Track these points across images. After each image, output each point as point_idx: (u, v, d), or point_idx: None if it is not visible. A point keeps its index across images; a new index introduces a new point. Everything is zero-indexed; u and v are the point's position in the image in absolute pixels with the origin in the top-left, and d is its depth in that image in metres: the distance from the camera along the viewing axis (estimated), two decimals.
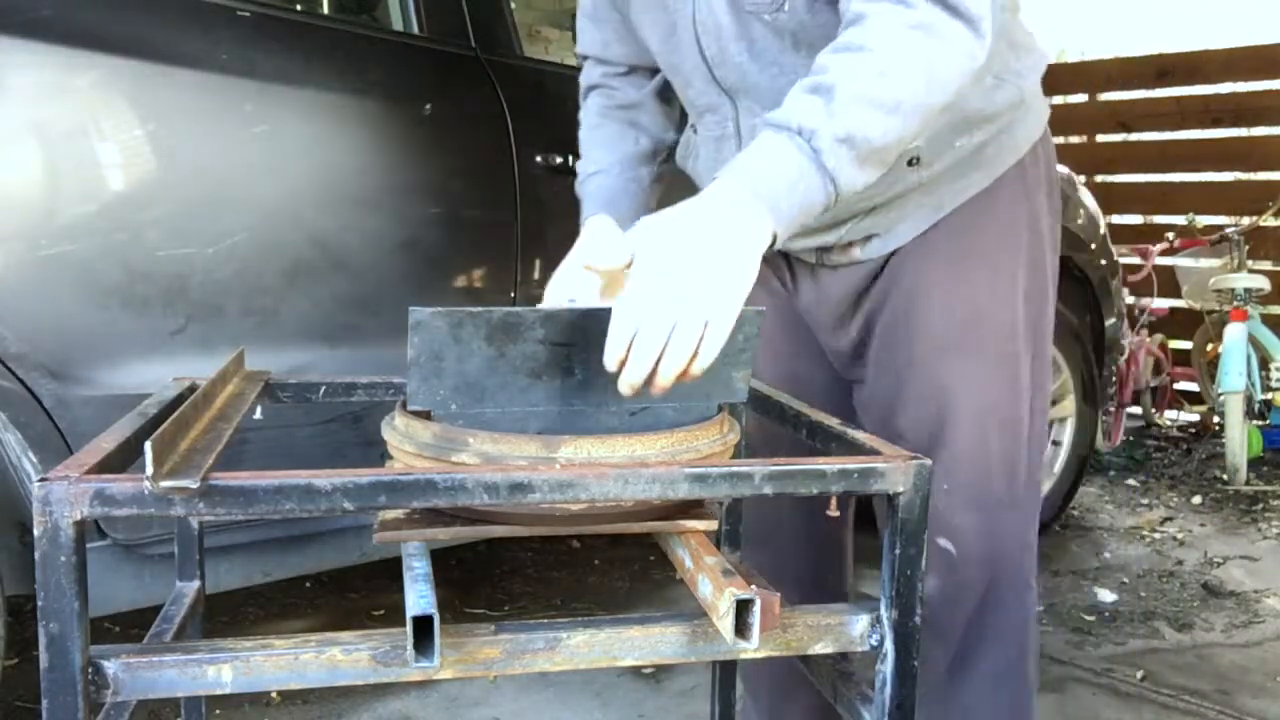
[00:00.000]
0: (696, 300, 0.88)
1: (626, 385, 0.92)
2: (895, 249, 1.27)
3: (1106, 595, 2.81)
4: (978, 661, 1.31)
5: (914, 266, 1.26)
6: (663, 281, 0.88)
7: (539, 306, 0.98)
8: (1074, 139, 5.81)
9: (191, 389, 1.19)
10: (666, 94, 1.40)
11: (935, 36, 0.98)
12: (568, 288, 1.17)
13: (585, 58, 1.43)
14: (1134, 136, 5.59)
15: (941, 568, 1.28)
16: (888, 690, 0.98)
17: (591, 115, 1.42)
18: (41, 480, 0.79)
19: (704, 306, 0.89)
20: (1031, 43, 1.28)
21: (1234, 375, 3.98)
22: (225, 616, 2.51)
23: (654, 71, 1.39)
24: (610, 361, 0.91)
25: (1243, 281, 4.23)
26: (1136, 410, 4.77)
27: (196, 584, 1.30)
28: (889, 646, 0.98)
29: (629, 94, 1.41)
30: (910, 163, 1.19)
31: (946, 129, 1.19)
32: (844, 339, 1.36)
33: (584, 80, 1.44)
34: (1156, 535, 3.39)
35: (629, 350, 0.90)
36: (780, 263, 1.39)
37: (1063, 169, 3.32)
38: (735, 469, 0.93)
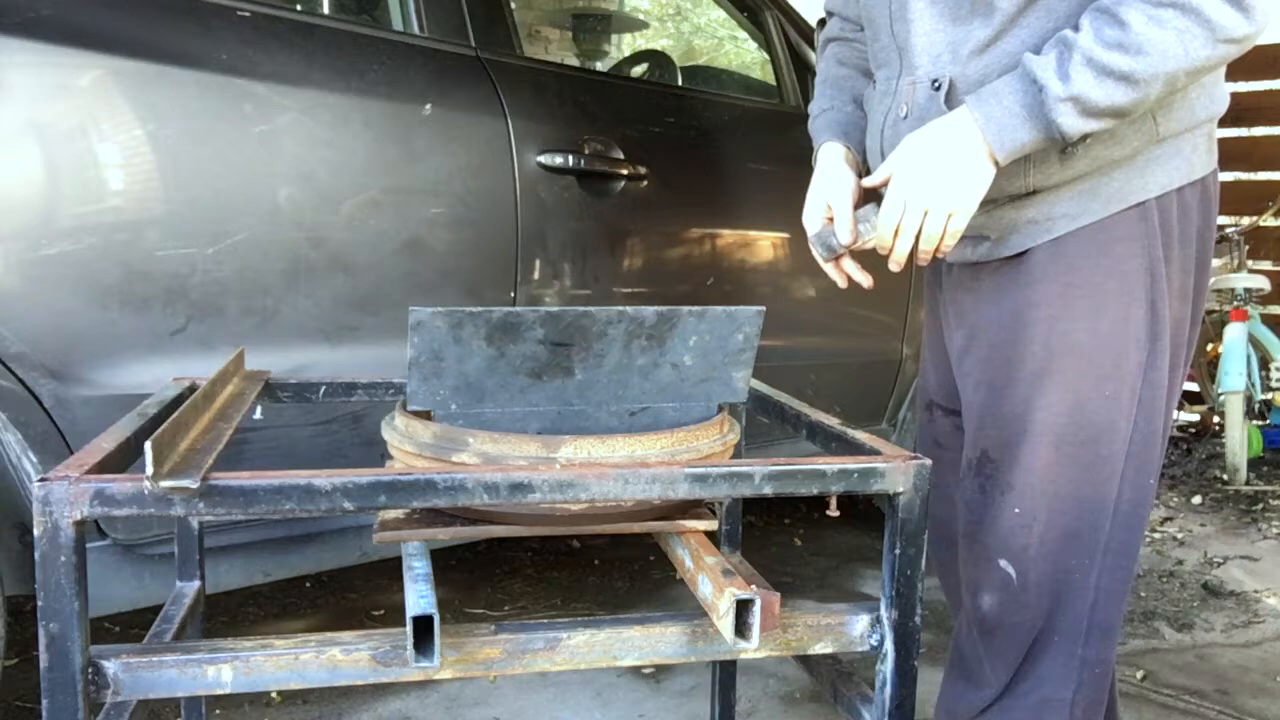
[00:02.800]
0: (941, 196, 1.15)
1: (894, 263, 1.22)
2: (1003, 258, 1.29)
3: None
4: (1025, 686, 1.29)
5: (1020, 289, 1.27)
6: (917, 183, 1.16)
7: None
8: None
9: (191, 389, 1.19)
10: None
11: (1191, 14, 1.08)
12: (821, 208, 1.33)
13: (829, 14, 1.55)
14: None
15: (999, 588, 1.27)
16: (888, 690, 0.98)
17: (828, 62, 1.52)
18: (41, 480, 0.79)
19: (947, 200, 1.15)
20: (1205, 83, 1.24)
21: (1234, 375, 3.98)
22: (225, 616, 2.51)
23: None
24: (886, 234, 1.19)
25: (1243, 281, 4.23)
26: None
27: (196, 584, 1.30)
28: (889, 646, 0.98)
29: (862, 47, 1.49)
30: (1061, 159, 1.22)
31: None
32: (954, 342, 1.38)
33: (824, 35, 1.55)
34: (1156, 535, 3.39)
35: (897, 231, 1.18)
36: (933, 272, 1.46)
37: None
38: (735, 469, 0.93)
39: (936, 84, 1.22)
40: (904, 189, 1.16)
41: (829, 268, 1.33)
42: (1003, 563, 1.26)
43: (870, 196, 1.29)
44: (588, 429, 1.04)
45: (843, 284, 1.34)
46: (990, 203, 1.24)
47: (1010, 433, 1.25)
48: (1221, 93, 1.28)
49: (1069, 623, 1.27)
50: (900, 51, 1.29)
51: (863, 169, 1.37)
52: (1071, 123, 1.10)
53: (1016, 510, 1.25)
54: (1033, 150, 1.15)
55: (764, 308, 1.08)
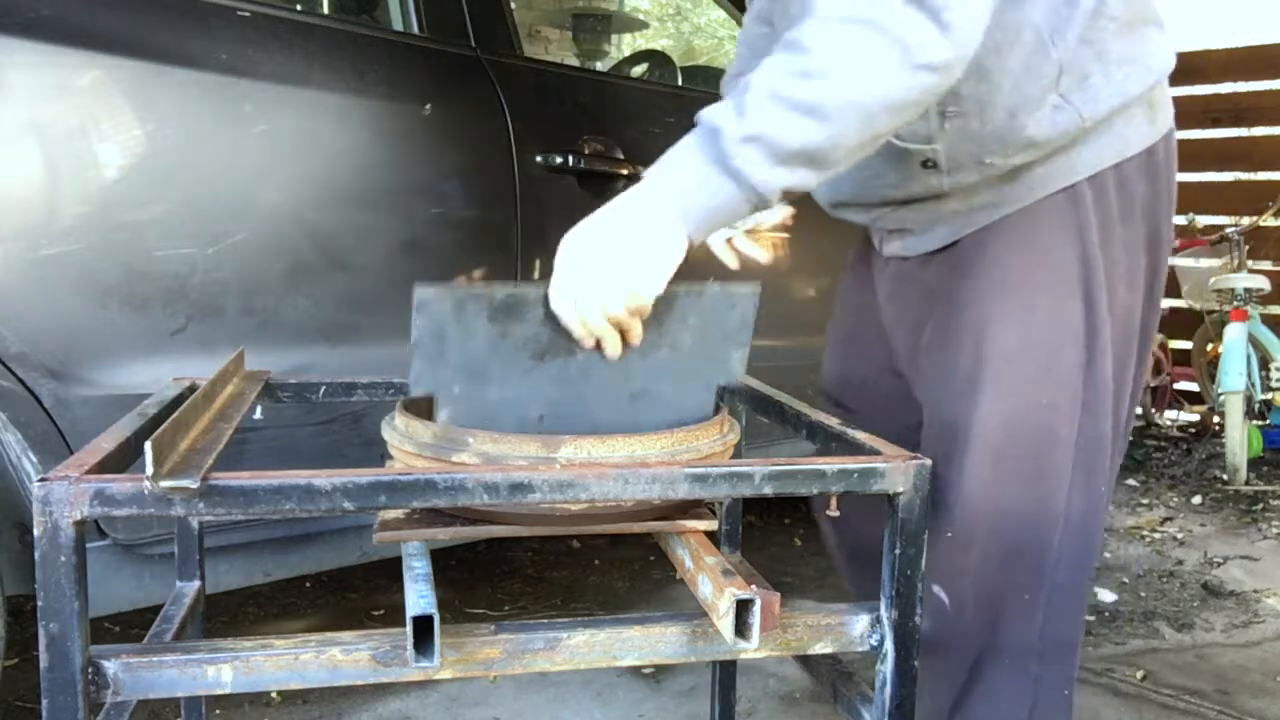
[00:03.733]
0: (614, 283, 0.97)
1: (612, 353, 1.02)
2: (932, 252, 1.22)
3: (1106, 595, 2.81)
4: (978, 710, 1.22)
5: (950, 287, 1.20)
6: (583, 279, 0.98)
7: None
8: None
9: (191, 389, 1.19)
10: None
11: (876, 30, 0.93)
12: None
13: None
14: None
15: (931, 612, 1.19)
16: (888, 690, 0.98)
17: (748, 20, 1.43)
18: (41, 480, 0.79)
19: (623, 284, 0.97)
20: (1136, 53, 1.14)
21: (1234, 375, 3.98)
22: (225, 616, 2.51)
23: None
24: (586, 343, 1.02)
25: (1243, 281, 4.23)
26: (1137, 410, 4.78)
27: (196, 584, 1.30)
28: (889, 646, 0.98)
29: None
30: (924, 164, 1.15)
31: (972, 141, 1.12)
32: (898, 337, 1.32)
33: (752, 10, 1.43)
34: (1156, 535, 3.39)
35: (586, 333, 1.00)
36: (864, 262, 1.38)
37: None
38: (735, 469, 0.93)
39: None
40: (561, 289, 0.98)
41: (719, 247, 1.28)
42: (935, 588, 1.18)
43: None
44: (588, 414, 1.04)
45: (735, 265, 1.28)
46: (908, 199, 1.18)
47: (946, 447, 1.16)
48: (1160, 57, 1.16)
49: (1017, 641, 1.18)
50: None
51: None
52: (759, 170, 0.94)
53: (949, 534, 1.17)
54: (729, 219, 0.99)
55: (759, 284, 1.06)
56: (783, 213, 1.27)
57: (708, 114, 0.97)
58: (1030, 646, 1.19)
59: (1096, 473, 1.18)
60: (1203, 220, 4.60)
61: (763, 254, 1.29)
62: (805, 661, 1.15)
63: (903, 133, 1.12)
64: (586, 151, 2.13)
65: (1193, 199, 5.07)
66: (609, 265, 0.96)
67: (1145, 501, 3.80)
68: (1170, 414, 4.99)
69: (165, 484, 0.78)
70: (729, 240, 1.29)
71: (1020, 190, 1.15)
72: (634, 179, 1.97)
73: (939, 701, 1.22)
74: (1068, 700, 1.23)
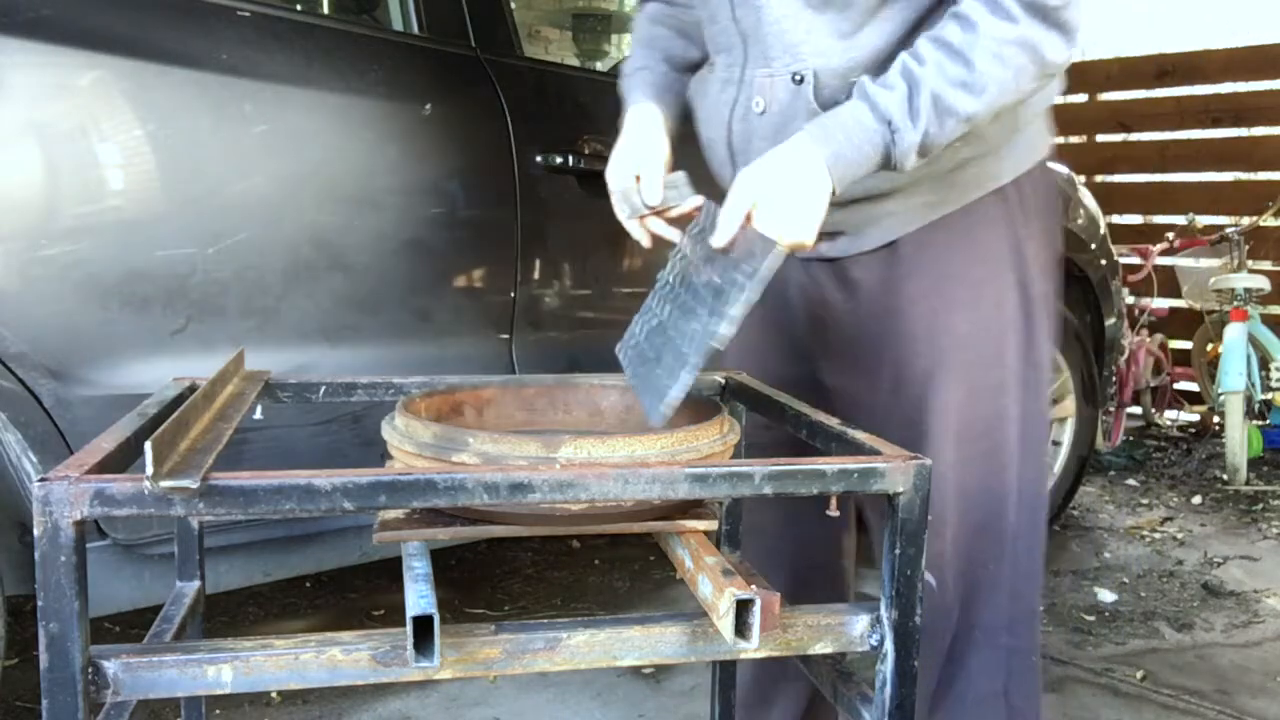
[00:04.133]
0: (787, 230, 1.08)
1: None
2: (861, 253, 1.28)
3: (1106, 595, 2.81)
4: (957, 688, 1.28)
5: (894, 285, 1.26)
6: (765, 219, 1.08)
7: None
8: (1074, 139, 5.80)
9: (191, 389, 1.19)
10: None
11: (1029, 51, 1.07)
12: (629, 167, 1.27)
13: None
14: (1134, 136, 5.59)
15: (923, 598, 1.22)
16: (888, 690, 0.98)
17: (645, 21, 1.43)
18: (41, 480, 0.79)
19: (790, 234, 1.08)
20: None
21: (1234, 375, 3.98)
22: (225, 616, 2.51)
23: None
24: (720, 240, 1.10)
25: (1243, 281, 4.23)
26: (1136, 410, 4.77)
27: (196, 584, 1.30)
28: (889, 646, 0.98)
29: (684, 13, 1.40)
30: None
31: None
32: (812, 340, 1.36)
33: None
34: (1156, 535, 3.39)
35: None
36: None
37: (1062, 169, 3.32)
38: (735, 469, 0.93)
39: (798, 77, 1.16)
40: (771, 228, 1.08)
41: (632, 225, 1.29)
42: (926, 575, 1.21)
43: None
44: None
45: (647, 243, 1.29)
46: (846, 201, 1.21)
47: (909, 434, 1.20)
48: (1055, 84, 1.30)
49: (989, 616, 1.26)
50: (744, 39, 1.21)
51: (675, 132, 1.33)
52: (912, 161, 1.10)
53: (929, 518, 1.22)
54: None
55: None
56: (692, 201, 1.27)
57: (885, 103, 1.07)
58: (1000, 619, 1.26)
59: (1038, 446, 1.29)
60: (1203, 220, 4.60)
61: (676, 234, 1.29)
62: (805, 661, 1.15)
63: None
64: (586, 151, 2.13)
65: (1193, 199, 5.07)
66: (791, 211, 1.08)
67: (1145, 501, 3.80)
68: (1170, 414, 4.99)
69: (165, 484, 0.78)
70: (642, 219, 1.28)
71: (955, 193, 1.23)
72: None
73: (923, 689, 1.23)
74: (1036, 667, 1.32)
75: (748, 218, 1.09)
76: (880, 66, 1.13)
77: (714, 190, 1.29)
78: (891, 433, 1.20)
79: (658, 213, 1.28)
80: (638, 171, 1.27)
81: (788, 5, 1.16)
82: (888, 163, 1.10)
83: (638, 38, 1.44)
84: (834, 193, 1.10)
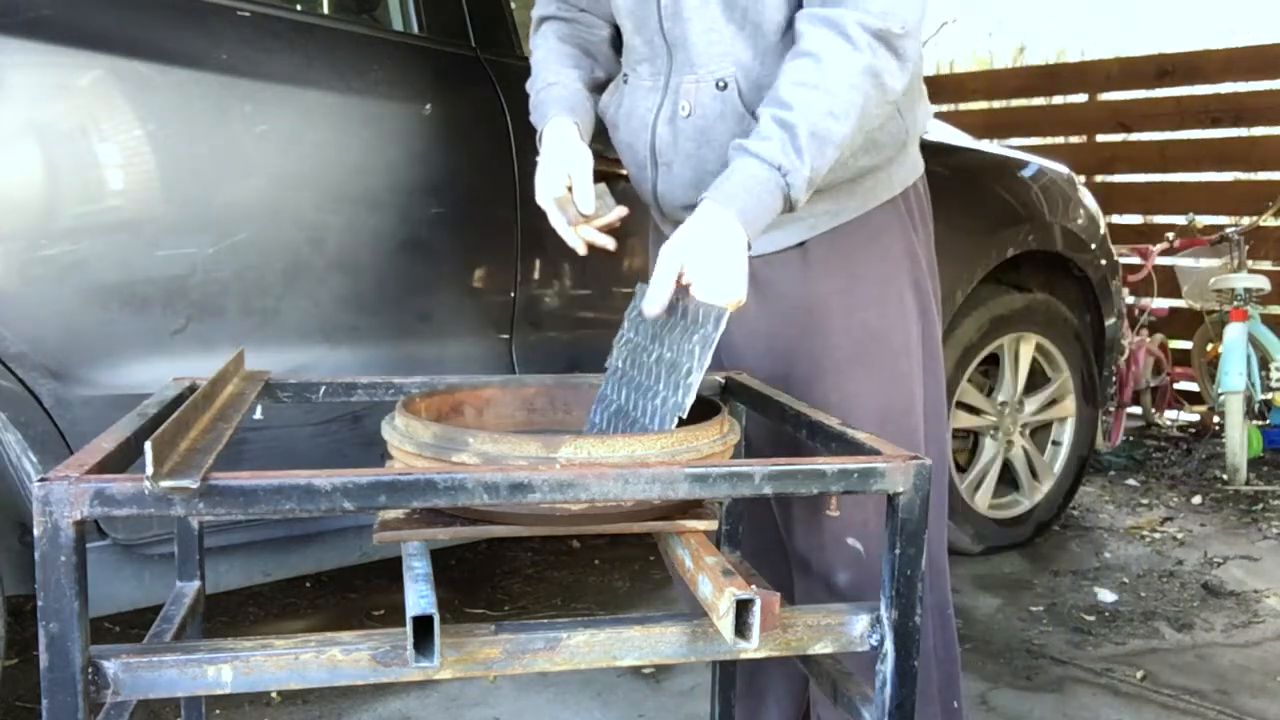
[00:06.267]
0: (724, 293, 1.15)
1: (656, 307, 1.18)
2: (771, 254, 1.38)
3: (1106, 595, 2.81)
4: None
5: (807, 284, 1.38)
6: (702, 281, 1.15)
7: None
8: (1074, 139, 5.80)
9: (191, 389, 1.19)
10: (617, 42, 1.48)
11: (877, 79, 1.18)
12: (559, 178, 1.35)
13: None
14: (1134, 136, 5.59)
15: (851, 564, 1.38)
16: (888, 690, 0.98)
17: (548, 38, 1.49)
18: (41, 480, 0.79)
19: (728, 295, 1.15)
20: (923, 94, 1.44)
21: (1234, 375, 3.98)
22: (225, 616, 2.51)
23: (608, 19, 1.49)
24: (653, 308, 1.17)
25: (1243, 281, 4.23)
26: (1136, 410, 4.77)
27: (196, 584, 1.30)
28: (889, 646, 0.98)
29: (586, 31, 1.50)
30: None
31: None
32: (731, 337, 1.42)
33: (538, 12, 1.51)
34: (1156, 535, 3.39)
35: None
36: None
37: (1062, 169, 3.32)
38: (735, 469, 0.93)
39: (722, 84, 1.28)
40: (709, 292, 1.15)
41: (569, 234, 1.35)
42: (851, 540, 1.37)
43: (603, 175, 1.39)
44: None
45: (583, 250, 1.36)
46: None
47: (887, 405, 1.36)
48: (929, 108, 1.47)
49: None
50: (671, 49, 1.32)
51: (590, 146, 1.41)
52: (803, 196, 1.18)
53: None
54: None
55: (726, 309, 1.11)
56: (617, 211, 1.36)
57: (769, 153, 1.16)
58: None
59: (939, 425, 1.47)
60: (1203, 220, 4.60)
61: (610, 242, 1.37)
62: (805, 661, 1.15)
63: None
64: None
65: (1193, 199, 5.07)
66: (725, 275, 1.15)
67: (1145, 501, 3.80)
68: (1170, 414, 4.99)
69: (165, 484, 0.78)
70: (576, 226, 1.35)
71: (855, 201, 1.37)
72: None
73: None
74: (950, 619, 1.49)
75: (678, 282, 1.16)
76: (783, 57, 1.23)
77: (645, 212, 1.46)
78: None
79: (587, 221, 1.35)
80: (568, 182, 1.35)
81: (713, 20, 1.27)
82: (787, 203, 1.18)
83: (544, 56, 1.48)
84: (749, 245, 1.18)
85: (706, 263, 1.14)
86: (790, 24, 1.24)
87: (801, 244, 1.37)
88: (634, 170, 1.43)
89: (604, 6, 1.46)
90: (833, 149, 1.17)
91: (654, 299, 1.17)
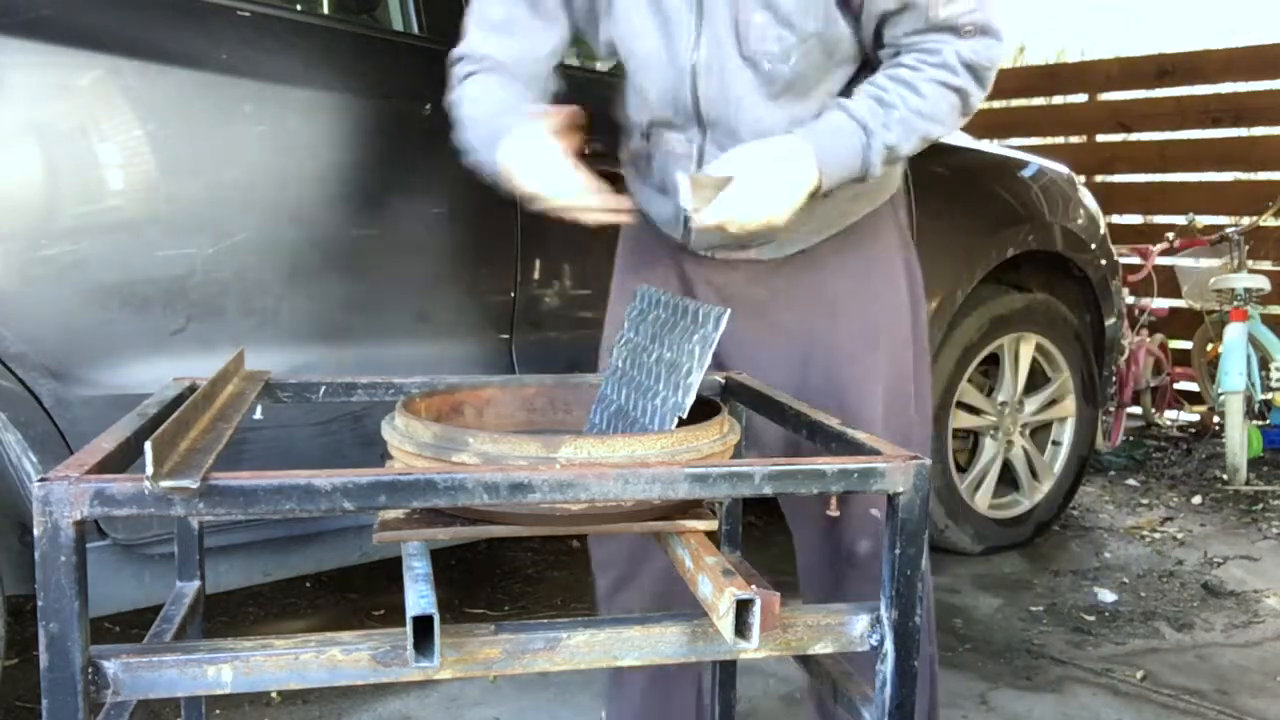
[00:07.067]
0: (772, 209, 1.28)
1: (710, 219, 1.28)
2: (786, 256, 1.48)
3: (1106, 595, 2.81)
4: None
5: (828, 282, 1.48)
6: (757, 193, 1.27)
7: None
8: (1074, 139, 5.80)
9: (191, 389, 1.19)
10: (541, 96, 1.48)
11: (964, 99, 1.34)
12: (546, 167, 1.33)
13: (482, 56, 1.46)
14: (1134, 136, 5.59)
15: (873, 533, 1.48)
16: (888, 690, 0.98)
17: (489, 85, 1.44)
18: (41, 480, 0.79)
19: (773, 214, 1.28)
20: None
21: (1234, 375, 3.98)
22: (225, 616, 2.51)
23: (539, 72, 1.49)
24: (707, 218, 1.28)
25: (1243, 281, 4.23)
26: (1136, 410, 4.77)
27: (196, 584, 1.30)
28: (889, 646, 0.98)
29: (517, 81, 1.46)
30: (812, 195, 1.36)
31: None
32: (742, 334, 1.48)
33: (464, 69, 1.46)
34: (1156, 535, 3.39)
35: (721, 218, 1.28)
36: (673, 263, 1.54)
37: (1062, 169, 3.32)
38: (735, 469, 0.93)
39: None
40: (745, 194, 1.27)
41: (591, 201, 1.33)
42: (874, 511, 1.47)
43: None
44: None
45: (611, 217, 1.36)
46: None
47: (849, 401, 1.45)
48: None
49: None
50: (704, 120, 1.39)
51: None
52: (879, 168, 1.32)
53: None
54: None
55: (728, 309, 1.11)
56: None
57: (860, 113, 1.30)
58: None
59: (925, 403, 1.60)
60: (1203, 220, 4.60)
61: (627, 202, 1.39)
62: (805, 661, 1.15)
63: None
64: (586, 151, 2.12)
65: (1193, 199, 5.07)
66: (779, 194, 1.27)
67: (1145, 501, 3.80)
68: (1170, 414, 4.99)
69: (165, 484, 0.78)
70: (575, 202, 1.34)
71: (860, 206, 1.48)
72: None
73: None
74: (930, 610, 1.62)
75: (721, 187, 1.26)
76: None
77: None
78: (831, 396, 1.46)
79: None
80: (553, 168, 1.33)
81: (754, 97, 1.35)
82: (863, 165, 1.31)
83: (488, 95, 1.43)
84: (819, 187, 1.29)
85: (766, 173, 1.25)
86: (826, 78, 1.37)
87: (814, 246, 1.48)
88: (661, 219, 1.51)
89: (536, 65, 1.46)
90: (916, 139, 1.32)
91: (702, 187, 1.26)
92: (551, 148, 1.34)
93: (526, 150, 1.35)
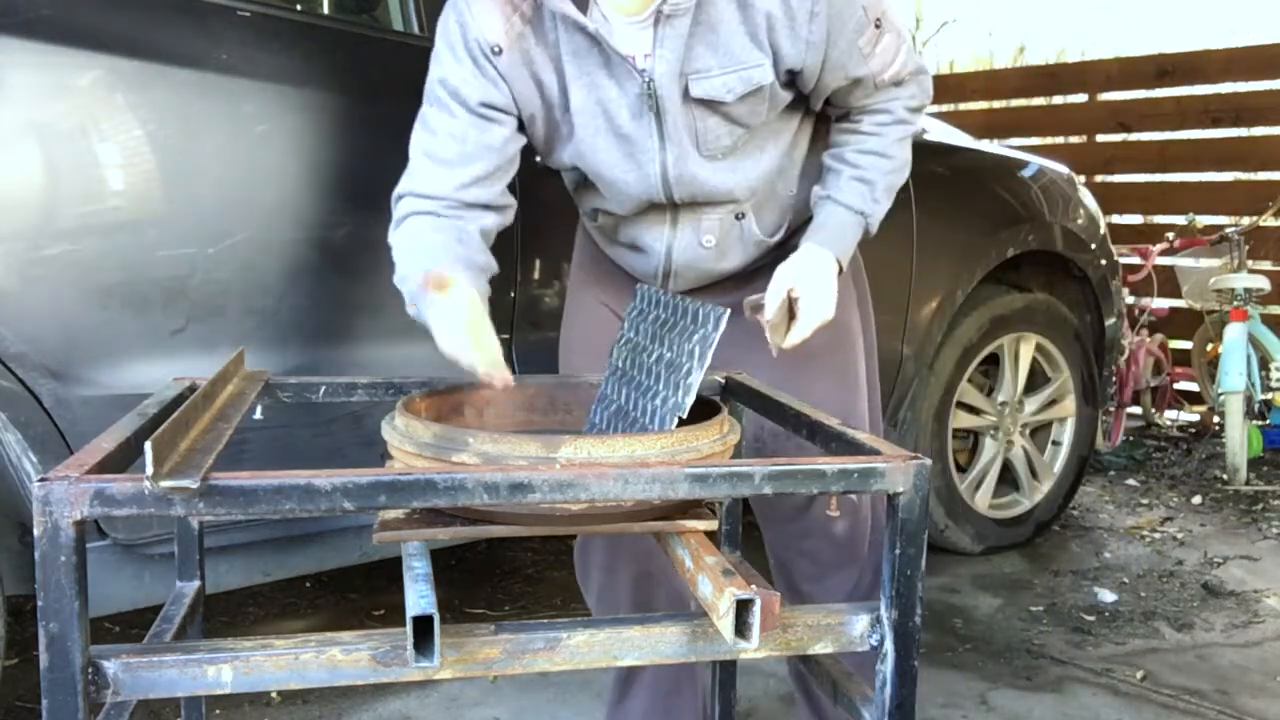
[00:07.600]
0: (828, 311, 1.45)
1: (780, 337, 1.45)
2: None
3: (1106, 595, 2.81)
4: (877, 575, 1.50)
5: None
6: (822, 302, 1.44)
7: None
8: (1074, 139, 5.80)
9: (191, 389, 1.19)
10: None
11: (915, 135, 1.54)
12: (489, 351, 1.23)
13: (424, 195, 1.40)
14: (1134, 136, 5.59)
15: (849, 510, 1.60)
16: (888, 690, 0.98)
17: (442, 231, 1.38)
18: (41, 480, 0.79)
19: (829, 314, 1.45)
20: None
21: (1234, 375, 3.98)
22: (225, 616, 2.51)
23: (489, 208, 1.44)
24: (795, 343, 1.45)
25: (1243, 281, 4.22)
26: (1136, 410, 4.77)
27: (196, 584, 1.30)
28: (889, 646, 0.98)
29: (464, 225, 1.40)
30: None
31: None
32: (746, 350, 1.53)
33: (409, 209, 1.40)
34: (1156, 535, 3.39)
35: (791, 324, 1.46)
36: (630, 279, 1.59)
37: (1062, 169, 3.32)
38: (735, 469, 0.93)
39: (740, 214, 1.50)
40: (811, 313, 1.43)
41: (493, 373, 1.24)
42: (830, 511, 1.54)
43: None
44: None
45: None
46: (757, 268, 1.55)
47: (845, 395, 1.60)
48: None
49: (877, 521, 1.65)
50: (678, 206, 1.48)
51: None
52: (876, 229, 1.52)
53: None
54: None
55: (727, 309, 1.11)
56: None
57: (852, 201, 1.48)
58: (879, 521, 1.65)
59: (877, 389, 1.73)
60: (1203, 220, 4.60)
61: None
62: (805, 661, 1.15)
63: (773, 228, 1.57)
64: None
65: (1193, 199, 5.07)
66: (830, 297, 1.45)
67: (1145, 501, 3.80)
68: (1170, 414, 4.99)
69: (165, 484, 0.78)
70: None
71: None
72: None
73: (846, 585, 1.63)
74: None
75: (789, 296, 1.42)
76: (782, 174, 1.51)
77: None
78: (828, 396, 1.53)
79: None
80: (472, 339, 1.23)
81: (719, 174, 1.45)
82: (865, 236, 1.52)
83: (436, 242, 1.36)
84: (841, 269, 1.48)
85: (815, 288, 1.43)
86: (766, 140, 1.49)
87: (770, 262, 1.58)
88: (638, 271, 1.59)
89: (486, 190, 1.42)
90: (895, 191, 1.53)
91: (770, 306, 1.42)
92: (471, 318, 1.24)
93: (449, 317, 1.24)
